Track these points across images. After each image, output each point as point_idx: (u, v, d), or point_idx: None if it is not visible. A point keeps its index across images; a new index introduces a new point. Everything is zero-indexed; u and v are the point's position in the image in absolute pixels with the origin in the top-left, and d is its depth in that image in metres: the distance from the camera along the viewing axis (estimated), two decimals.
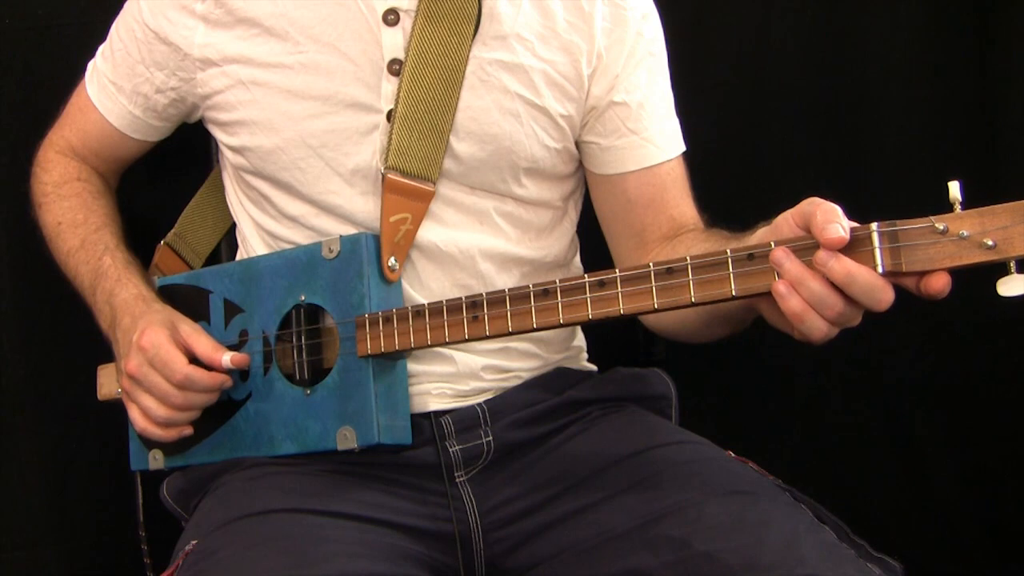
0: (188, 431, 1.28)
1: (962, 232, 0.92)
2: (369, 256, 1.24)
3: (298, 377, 1.26)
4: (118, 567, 1.45)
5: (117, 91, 1.40)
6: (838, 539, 1.12)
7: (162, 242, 1.50)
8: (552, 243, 1.37)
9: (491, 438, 1.28)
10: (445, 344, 1.17)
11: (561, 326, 1.10)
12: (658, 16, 1.35)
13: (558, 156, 1.32)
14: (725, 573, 1.08)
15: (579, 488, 1.24)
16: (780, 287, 0.98)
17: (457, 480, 1.27)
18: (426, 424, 1.27)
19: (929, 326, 1.67)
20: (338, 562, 1.11)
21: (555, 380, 1.36)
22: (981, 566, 1.42)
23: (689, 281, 1.03)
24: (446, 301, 1.16)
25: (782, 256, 0.97)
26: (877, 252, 0.94)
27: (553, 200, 1.36)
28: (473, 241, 1.30)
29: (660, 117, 1.33)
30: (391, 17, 1.25)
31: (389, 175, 1.24)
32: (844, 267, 0.95)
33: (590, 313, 1.08)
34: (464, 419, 1.29)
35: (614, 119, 1.31)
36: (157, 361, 1.23)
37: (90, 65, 1.44)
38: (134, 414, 1.29)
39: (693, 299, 1.03)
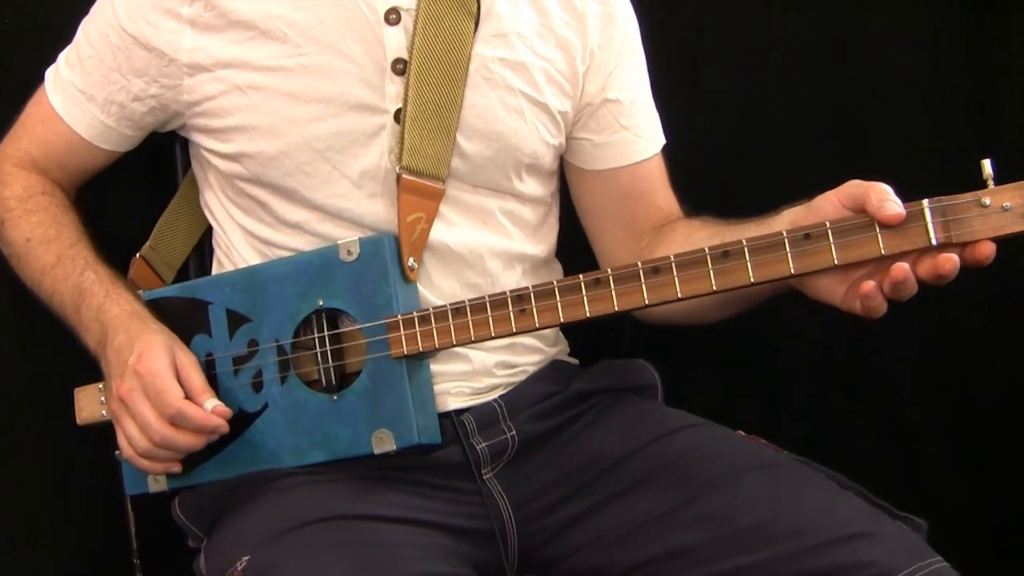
0: (176, 468, 1.24)
1: (1005, 204, 1.02)
2: (392, 257, 1.23)
3: (324, 383, 1.23)
4: (118, 567, 1.40)
5: (87, 100, 1.32)
6: (865, 502, 1.20)
7: (137, 255, 1.43)
8: (544, 239, 1.40)
9: (514, 432, 1.29)
10: (490, 338, 1.18)
11: (616, 313, 1.14)
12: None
13: (554, 152, 1.35)
14: (773, 542, 1.14)
15: (606, 476, 1.27)
16: (870, 288, 1.04)
17: (484, 477, 1.28)
18: (448, 424, 1.27)
19: (929, 324, 1.70)
20: (407, 564, 1.11)
21: (555, 373, 1.38)
22: (981, 566, 1.43)
23: (747, 263, 1.08)
24: (488, 297, 1.18)
25: (906, 271, 1.02)
26: (930, 226, 1.03)
27: (545, 196, 1.39)
28: (482, 240, 1.31)
29: (647, 112, 1.39)
30: (392, 16, 1.25)
31: (404, 175, 1.24)
32: (955, 265, 1.01)
33: (646, 298, 1.12)
34: (484, 415, 1.30)
35: (607, 116, 1.36)
36: (151, 390, 1.18)
37: (50, 73, 1.36)
38: (120, 440, 1.23)
39: (752, 279, 1.08)
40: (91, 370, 1.28)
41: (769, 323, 1.61)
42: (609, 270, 1.13)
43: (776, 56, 1.65)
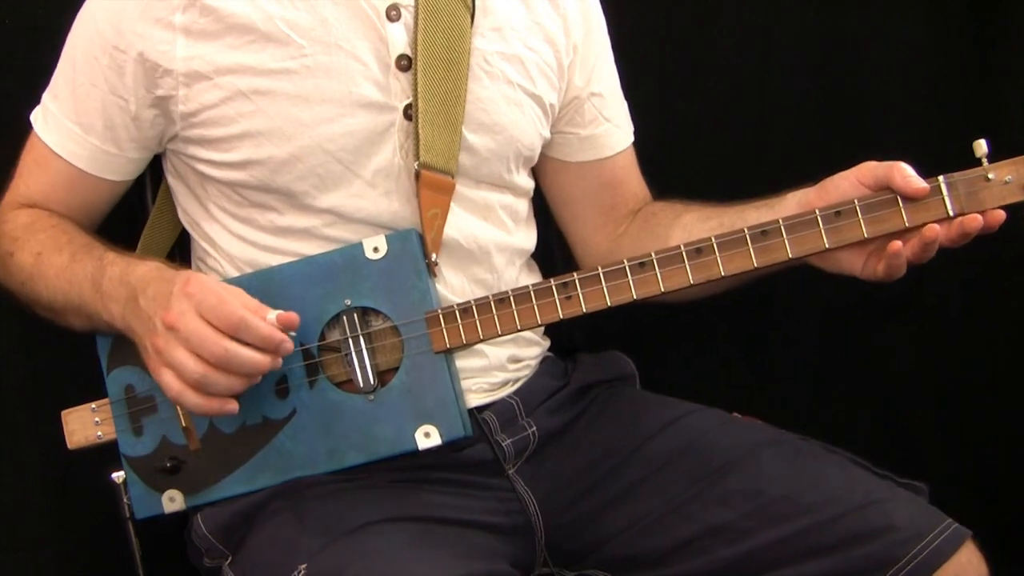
0: (233, 406, 1.12)
1: (1006, 178, 1.15)
2: (420, 252, 1.24)
3: (362, 384, 1.21)
4: (118, 568, 1.33)
5: (85, 132, 1.26)
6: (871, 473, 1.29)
7: None
8: (531, 232, 1.43)
9: (535, 428, 1.32)
10: (536, 326, 1.21)
11: (662, 295, 1.19)
12: None
13: (542, 144, 1.39)
14: (807, 511, 1.22)
15: (626, 464, 1.32)
16: (898, 247, 1.13)
17: (508, 473, 1.30)
18: (472, 422, 1.27)
19: (926, 322, 1.79)
20: (467, 564, 1.13)
21: (552, 368, 1.43)
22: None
23: (784, 240, 1.17)
24: (532, 286, 1.20)
25: (937, 230, 1.12)
26: (947, 199, 1.15)
27: (531, 189, 1.42)
28: (488, 236, 1.33)
29: (622, 102, 1.46)
30: (393, 13, 1.25)
31: (424, 171, 1.24)
32: (980, 223, 1.12)
33: (691, 278, 1.18)
34: (503, 412, 1.32)
35: (592, 109, 1.41)
36: (206, 306, 1.08)
37: (37, 114, 1.30)
38: (167, 379, 1.10)
39: (790, 255, 1.17)
40: (92, 370, 1.23)
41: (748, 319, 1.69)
42: (653, 253, 1.18)
43: (776, 55, 1.70)
